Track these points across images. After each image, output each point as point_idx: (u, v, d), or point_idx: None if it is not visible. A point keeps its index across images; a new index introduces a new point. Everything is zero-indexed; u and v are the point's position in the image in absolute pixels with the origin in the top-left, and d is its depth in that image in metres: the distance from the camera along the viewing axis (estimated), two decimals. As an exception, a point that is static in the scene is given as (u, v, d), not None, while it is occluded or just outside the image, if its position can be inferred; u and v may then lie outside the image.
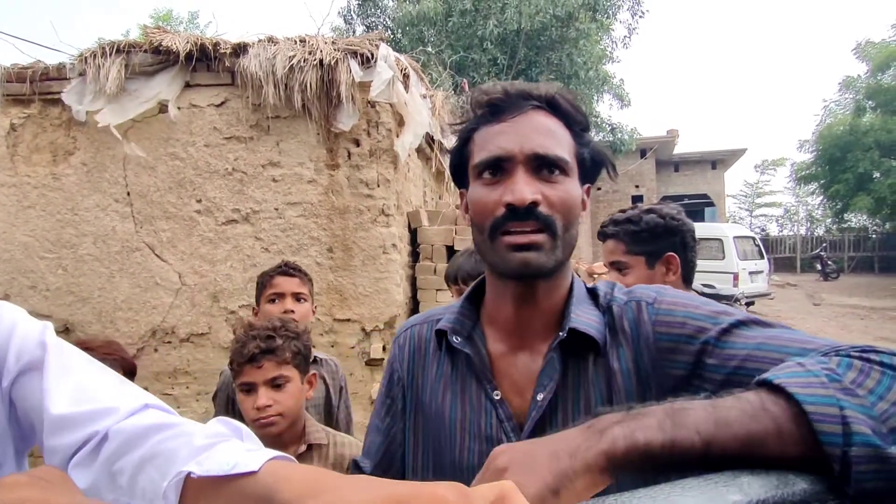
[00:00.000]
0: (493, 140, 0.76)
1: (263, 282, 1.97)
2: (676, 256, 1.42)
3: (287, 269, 1.96)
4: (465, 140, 0.81)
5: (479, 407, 0.79)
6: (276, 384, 1.42)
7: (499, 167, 0.75)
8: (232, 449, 0.54)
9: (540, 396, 0.75)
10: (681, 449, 0.46)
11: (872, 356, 0.52)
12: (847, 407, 0.45)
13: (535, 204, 0.72)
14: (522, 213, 0.72)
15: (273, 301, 1.90)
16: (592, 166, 0.81)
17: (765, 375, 0.51)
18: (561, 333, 0.76)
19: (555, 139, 0.76)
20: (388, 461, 0.89)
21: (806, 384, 0.48)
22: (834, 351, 0.56)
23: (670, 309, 0.75)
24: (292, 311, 1.86)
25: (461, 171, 0.83)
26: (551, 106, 0.78)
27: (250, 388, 1.41)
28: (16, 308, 0.69)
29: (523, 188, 0.72)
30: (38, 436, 0.66)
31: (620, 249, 1.45)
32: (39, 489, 0.33)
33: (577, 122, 0.79)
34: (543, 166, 0.75)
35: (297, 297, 1.92)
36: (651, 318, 0.76)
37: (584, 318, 0.78)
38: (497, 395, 0.78)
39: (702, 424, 0.47)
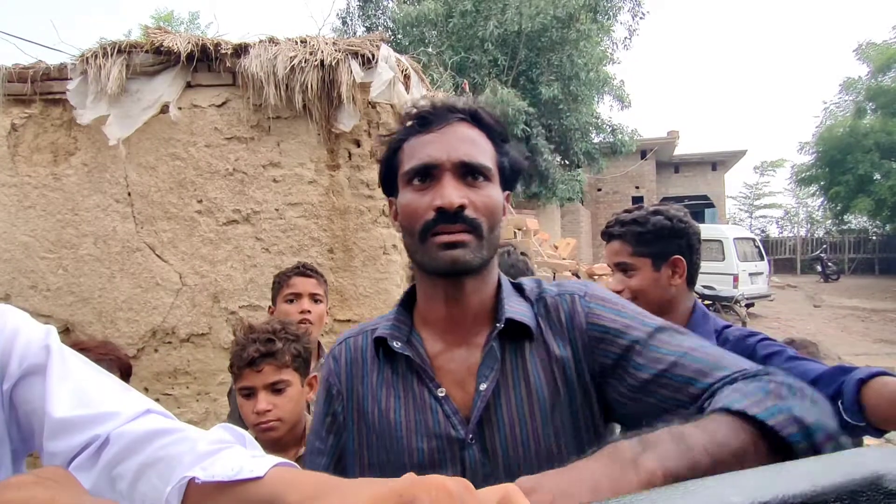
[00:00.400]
0: (422, 149, 0.82)
1: (281, 282, 1.99)
2: (683, 259, 1.41)
3: (305, 270, 1.99)
4: (395, 150, 0.86)
5: (425, 406, 0.83)
6: (275, 388, 1.41)
7: (428, 174, 0.81)
8: (236, 455, 0.54)
9: (483, 387, 0.80)
10: (698, 469, 0.52)
11: (775, 377, 0.67)
12: (793, 409, 0.59)
13: (462, 207, 0.78)
14: (451, 216, 0.77)
15: (291, 301, 1.92)
16: (511, 174, 0.88)
17: (722, 404, 0.61)
18: (498, 325, 0.83)
19: (478, 148, 0.82)
20: None
21: (756, 403, 0.60)
22: (751, 374, 0.69)
23: (601, 303, 0.85)
24: (309, 312, 1.89)
25: (390, 179, 0.88)
26: (474, 118, 0.84)
27: (250, 393, 1.41)
28: (19, 312, 0.69)
29: (451, 193, 0.77)
30: (37, 439, 0.66)
31: (626, 251, 1.43)
32: (45, 488, 0.33)
33: (497, 134, 0.86)
34: (469, 173, 0.81)
35: (314, 298, 1.95)
36: (584, 310, 0.84)
37: (517, 308, 0.85)
38: (441, 393, 0.82)
39: (707, 445, 0.55)
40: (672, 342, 0.76)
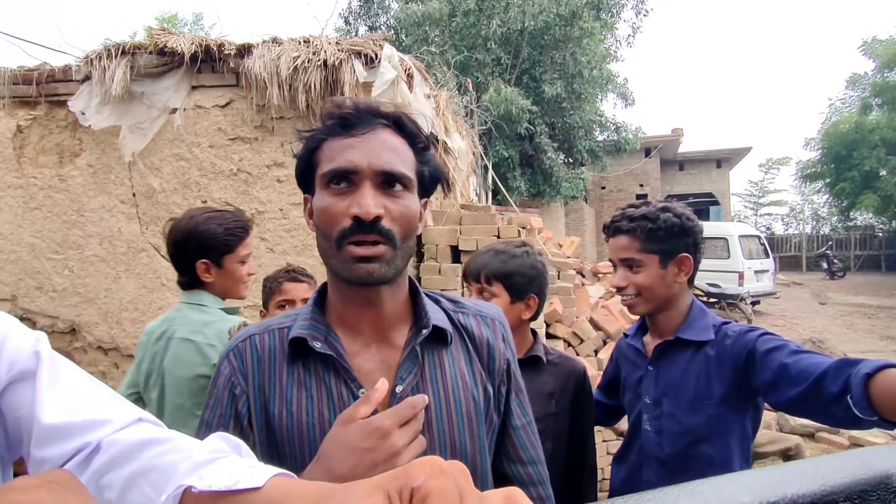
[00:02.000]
0: (343, 153, 0.80)
1: (272, 287, 1.97)
2: (691, 258, 1.41)
3: (295, 276, 1.97)
4: (314, 149, 0.85)
5: (342, 406, 0.80)
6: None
7: (346, 179, 0.80)
8: (233, 465, 0.53)
9: (399, 388, 0.82)
10: None
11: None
12: None
13: (378, 218, 0.77)
14: (367, 226, 0.77)
15: (283, 307, 1.91)
16: (431, 182, 0.89)
17: None
18: (425, 331, 0.84)
19: (399, 156, 0.82)
20: None
21: None
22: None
23: (507, 338, 0.95)
24: None
25: (307, 177, 0.87)
26: (397, 125, 0.84)
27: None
28: (9, 317, 0.68)
29: (369, 202, 0.77)
30: (24, 446, 0.65)
31: (635, 246, 1.41)
32: (50, 492, 0.33)
33: (419, 141, 0.86)
34: (387, 182, 0.80)
35: (306, 303, 1.95)
36: (501, 335, 0.94)
37: (437, 315, 0.88)
38: (362, 392, 0.81)
39: None
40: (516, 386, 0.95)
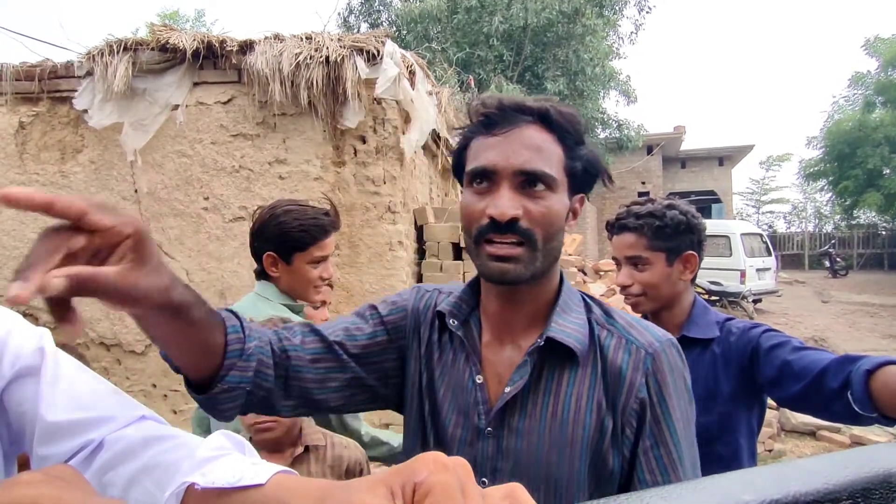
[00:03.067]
0: (484, 152, 0.80)
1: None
2: (696, 255, 1.40)
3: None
4: (464, 146, 0.85)
5: (463, 384, 0.85)
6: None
7: (486, 178, 0.79)
8: (236, 462, 0.53)
9: (507, 389, 0.81)
10: None
11: None
12: None
13: (514, 219, 0.76)
14: (504, 227, 0.76)
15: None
16: (586, 177, 0.84)
17: None
18: (539, 341, 0.80)
19: (542, 155, 0.78)
20: (338, 355, 0.86)
21: None
22: None
23: (656, 375, 0.80)
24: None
25: (461, 172, 0.88)
26: (544, 120, 0.80)
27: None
28: (12, 313, 0.68)
29: (505, 203, 0.76)
30: (27, 442, 0.65)
31: (642, 244, 1.39)
32: (54, 486, 0.33)
33: (569, 136, 0.81)
34: (528, 182, 0.78)
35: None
36: (646, 368, 0.80)
37: (567, 327, 0.82)
38: (479, 380, 0.84)
39: None
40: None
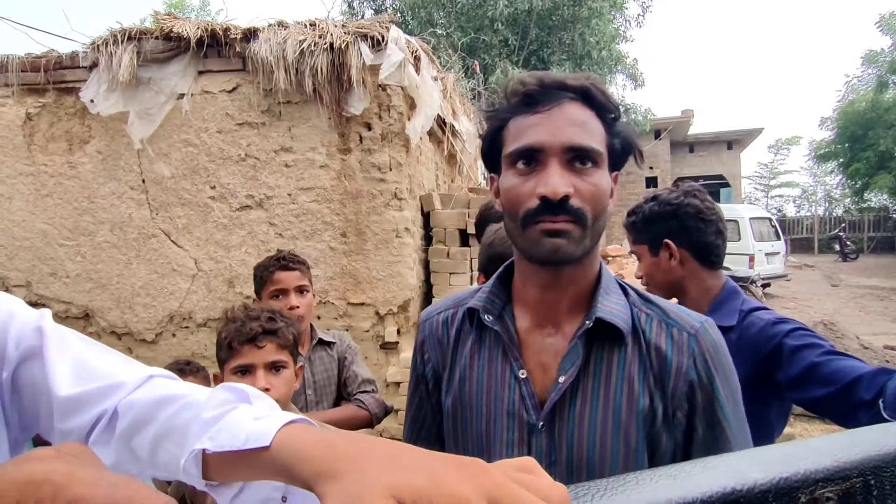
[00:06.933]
0: (528, 130, 0.77)
1: (263, 276, 1.88)
2: (671, 242, 1.40)
3: (286, 264, 1.88)
4: (499, 128, 0.82)
5: (504, 383, 0.83)
6: (275, 367, 1.37)
7: (532, 157, 0.77)
8: (241, 419, 0.53)
9: (561, 379, 0.79)
10: None
11: None
12: None
13: (567, 197, 0.74)
14: (555, 206, 0.74)
15: (276, 297, 1.85)
16: (622, 154, 0.83)
17: None
18: (587, 322, 0.79)
19: (587, 131, 0.77)
20: (419, 437, 0.97)
21: None
22: None
23: (705, 356, 0.80)
24: (297, 307, 1.82)
25: (493, 156, 0.85)
26: (585, 97, 0.78)
27: (246, 371, 1.36)
28: (12, 297, 0.69)
29: (557, 181, 0.74)
30: (43, 423, 0.66)
31: (630, 240, 1.51)
32: (65, 462, 0.33)
33: (609, 112, 0.80)
34: (576, 158, 0.76)
35: (300, 290, 1.88)
36: (691, 350, 0.79)
37: (612, 308, 0.81)
38: (522, 374, 0.82)
39: None
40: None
